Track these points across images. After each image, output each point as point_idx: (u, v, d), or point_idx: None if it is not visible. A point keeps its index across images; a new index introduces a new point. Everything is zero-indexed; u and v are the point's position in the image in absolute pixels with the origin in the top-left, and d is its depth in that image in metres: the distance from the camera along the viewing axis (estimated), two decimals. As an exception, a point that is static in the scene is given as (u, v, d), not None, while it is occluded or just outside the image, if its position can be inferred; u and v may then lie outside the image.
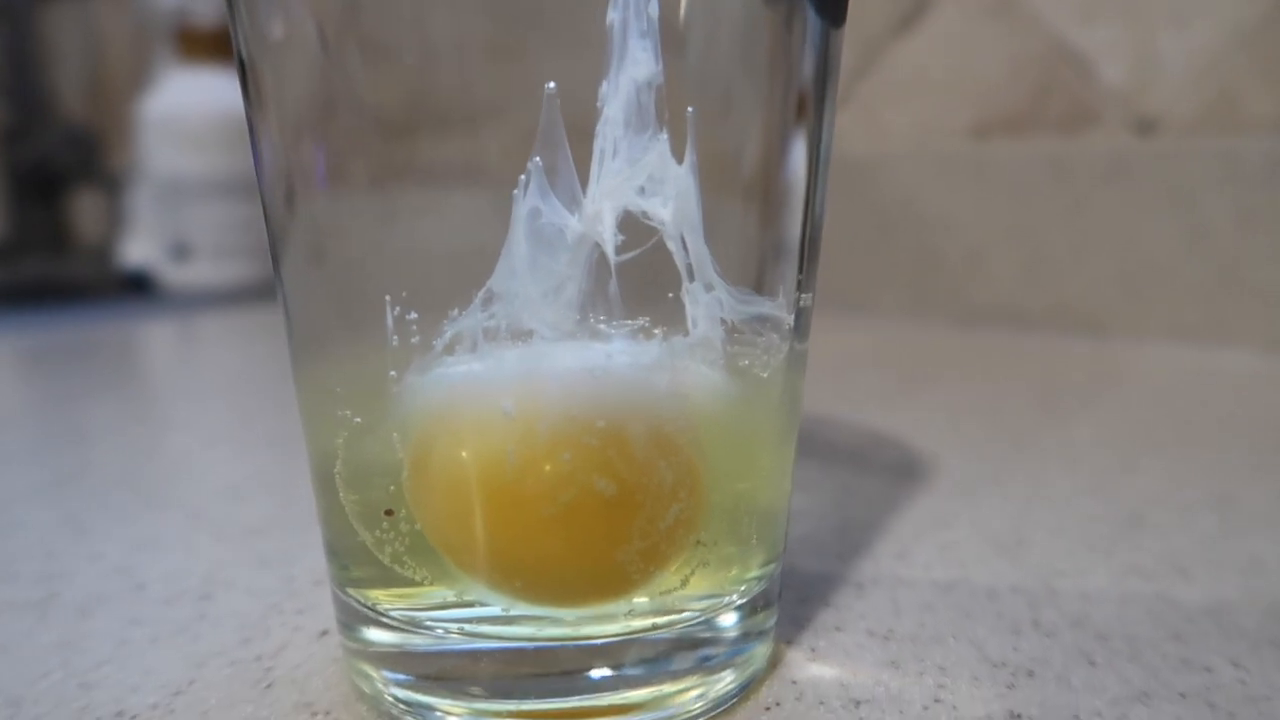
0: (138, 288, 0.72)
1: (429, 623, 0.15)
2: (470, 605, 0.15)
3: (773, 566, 0.17)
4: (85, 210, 0.99)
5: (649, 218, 0.14)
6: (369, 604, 0.16)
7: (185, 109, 0.70)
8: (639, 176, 0.14)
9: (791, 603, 0.20)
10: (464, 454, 0.14)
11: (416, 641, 0.16)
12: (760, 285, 0.16)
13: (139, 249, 0.73)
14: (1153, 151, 0.49)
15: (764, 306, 0.16)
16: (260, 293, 0.70)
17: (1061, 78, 0.52)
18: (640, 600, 0.15)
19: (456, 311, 0.14)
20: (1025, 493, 0.27)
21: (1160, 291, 0.49)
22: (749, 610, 0.16)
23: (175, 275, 0.70)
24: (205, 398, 0.42)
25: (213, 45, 0.73)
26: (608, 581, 0.15)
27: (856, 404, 0.38)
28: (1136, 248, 0.49)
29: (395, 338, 0.14)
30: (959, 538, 0.23)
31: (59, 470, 0.30)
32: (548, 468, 0.14)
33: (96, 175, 0.92)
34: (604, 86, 0.14)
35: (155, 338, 0.58)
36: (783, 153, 0.16)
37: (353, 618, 0.16)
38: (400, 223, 0.15)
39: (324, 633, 0.18)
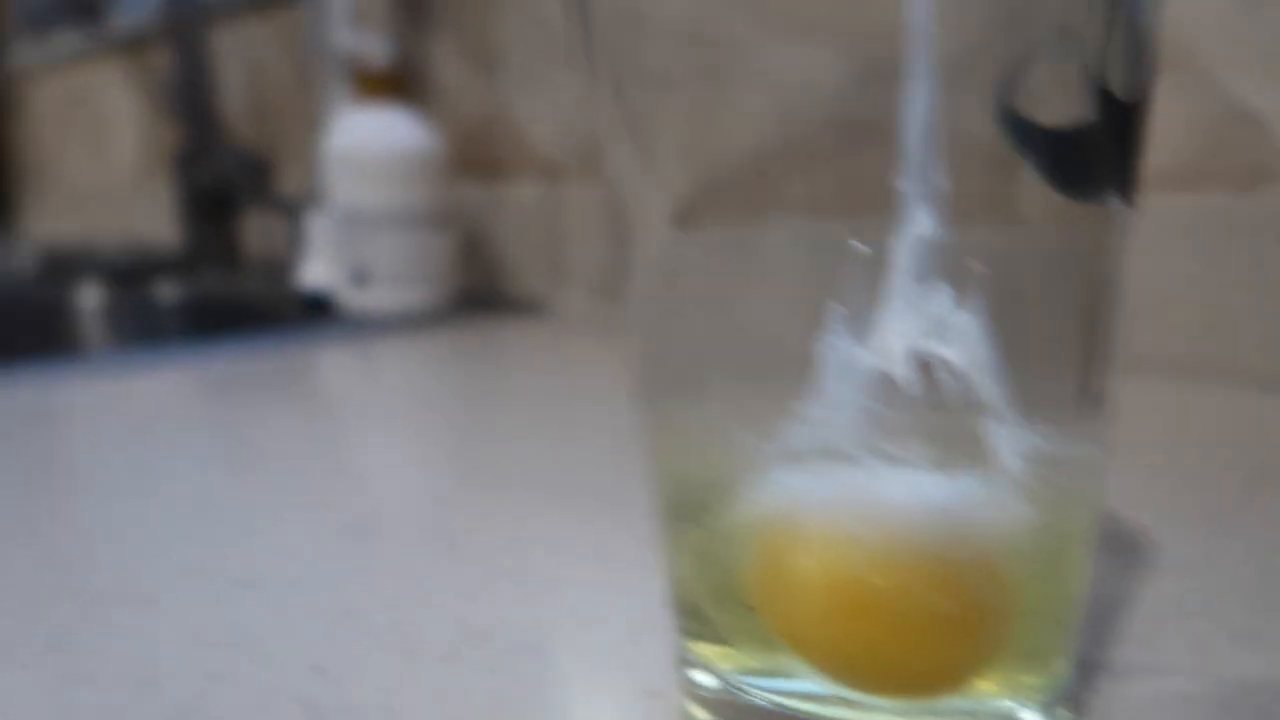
0: (317, 309, 0.79)
1: (747, 687, 0.18)
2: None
3: (1067, 665, 0.19)
4: (256, 230, 1.08)
5: (937, 359, 0.17)
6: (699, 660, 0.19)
7: (363, 145, 0.76)
8: (925, 323, 0.16)
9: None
10: (817, 570, 0.17)
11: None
12: (1064, 423, 0.17)
13: (317, 272, 0.80)
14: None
15: (1070, 446, 0.18)
16: (435, 318, 0.75)
17: (1235, 137, 0.52)
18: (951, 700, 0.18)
19: (787, 421, 0.17)
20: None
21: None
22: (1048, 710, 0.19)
23: (355, 299, 0.76)
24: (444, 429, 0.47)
25: (386, 85, 0.79)
26: (927, 686, 0.17)
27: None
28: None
29: (737, 434, 0.17)
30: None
31: (355, 515, 0.34)
32: (893, 590, 0.17)
33: (267, 198, 1.00)
34: (893, 240, 0.16)
35: (341, 361, 0.64)
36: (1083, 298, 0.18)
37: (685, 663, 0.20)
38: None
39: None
